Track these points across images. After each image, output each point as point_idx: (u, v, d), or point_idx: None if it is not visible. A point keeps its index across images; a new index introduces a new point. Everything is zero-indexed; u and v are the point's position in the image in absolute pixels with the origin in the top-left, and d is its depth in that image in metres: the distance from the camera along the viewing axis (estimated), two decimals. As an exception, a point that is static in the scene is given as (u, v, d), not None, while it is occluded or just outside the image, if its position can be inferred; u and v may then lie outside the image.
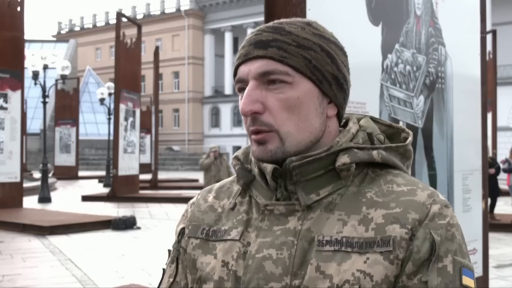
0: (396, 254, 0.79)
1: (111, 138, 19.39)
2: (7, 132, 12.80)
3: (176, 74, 51.12)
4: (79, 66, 46.52)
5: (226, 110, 49.01)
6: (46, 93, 16.42)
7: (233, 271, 0.86)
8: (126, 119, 17.18)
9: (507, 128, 33.14)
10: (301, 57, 0.85)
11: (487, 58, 12.71)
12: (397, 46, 2.20)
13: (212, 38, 51.29)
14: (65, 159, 27.50)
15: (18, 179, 12.88)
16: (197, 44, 50.61)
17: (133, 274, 6.69)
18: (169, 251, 1.00)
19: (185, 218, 1.00)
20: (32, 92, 32.74)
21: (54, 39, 54.56)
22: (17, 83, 12.99)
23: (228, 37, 49.26)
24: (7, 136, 12.78)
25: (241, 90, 0.88)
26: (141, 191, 18.02)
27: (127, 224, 10.52)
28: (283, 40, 0.85)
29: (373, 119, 0.96)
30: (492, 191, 10.37)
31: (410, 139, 0.92)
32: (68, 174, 26.74)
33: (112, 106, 21.24)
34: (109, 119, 23.84)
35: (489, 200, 8.50)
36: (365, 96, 2.03)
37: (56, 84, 22.61)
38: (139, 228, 10.64)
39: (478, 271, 2.69)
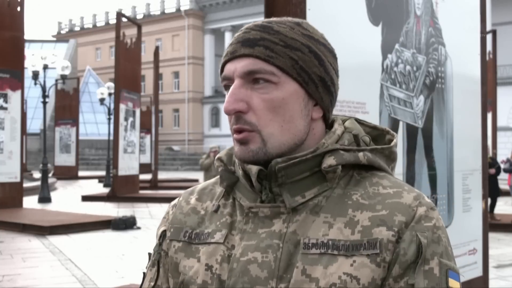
0: (383, 257, 0.79)
1: (111, 138, 19.38)
2: (7, 132, 12.80)
3: (176, 74, 51.12)
4: (79, 66, 46.53)
5: (226, 110, 48.93)
6: (46, 93, 16.42)
7: (217, 274, 0.84)
8: (126, 119, 17.18)
9: (507, 128, 33.14)
10: (288, 57, 0.84)
11: (487, 58, 12.71)
12: (397, 46, 2.20)
13: (212, 38, 51.29)
14: (65, 159, 27.49)
15: (18, 179, 12.87)
16: (197, 44, 50.60)
17: (133, 274, 6.69)
18: (150, 254, 0.98)
19: (166, 221, 0.97)
20: (32, 92, 32.75)
21: (54, 39, 54.55)
22: (17, 83, 12.99)
23: (228, 37, 49.25)
24: (7, 136, 12.78)
25: (227, 87, 0.87)
26: (141, 191, 18.01)
27: (127, 224, 10.52)
28: (270, 39, 0.84)
29: (358, 120, 0.95)
30: (492, 191, 10.37)
31: (395, 141, 0.92)
32: (68, 174, 26.74)
33: (112, 106, 21.24)
34: (109, 119, 23.83)
35: (489, 200, 8.50)
36: (365, 96, 2.03)
37: (56, 84, 22.60)
38: (139, 228, 10.64)
39: (478, 271, 2.69)
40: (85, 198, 16.18)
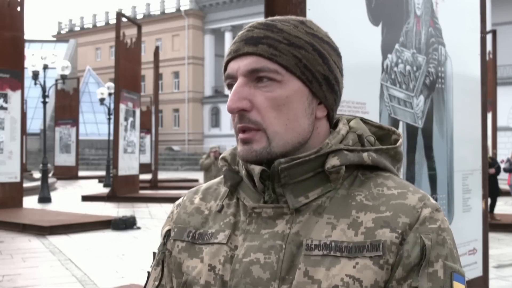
0: (386, 259, 0.78)
1: (111, 138, 19.38)
2: (7, 132, 12.80)
3: (176, 74, 51.11)
4: (79, 66, 46.53)
5: (226, 110, 48.37)
6: (46, 93, 16.42)
7: (220, 275, 0.84)
8: (126, 119, 17.18)
9: (507, 128, 33.14)
10: (292, 55, 0.83)
11: (487, 58, 12.71)
12: (397, 46, 2.20)
13: (212, 38, 51.29)
14: (65, 159, 27.50)
15: (18, 179, 12.87)
16: (197, 44, 50.60)
17: (133, 274, 6.69)
18: (154, 253, 0.98)
19: (170, 220, 0.97)
20: (32, 92, 32.75)
21: (54, 39, 54.55)
22: (17, 83, 12.99)
23: (228, 37, 49.25)
24: (7, 136, 12.78)
25: (230, 86, 0.86)
26: (141, 191, 18.01)
27: (127, 224, 10.52)
28: (274, 37, 0.83)
29: (363, 120, 0.94)
30: (492, 191, 10.37)
31: (400, 141, 0.91)
32: (68, 174, 26.74)
33: (112, 106, 21.24)
34: (109, 119, 23.83)
35: (489, 200, 8.49)
36: (365, 96, 2.03)
37: (56, 84, 22.60)
38: (139, 228, 10.64)
39: (478, 271, 2.69)
40: (85, 198, 16.18)
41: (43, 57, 16.25)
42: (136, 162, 17.78)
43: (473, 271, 2.63)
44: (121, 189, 16.15)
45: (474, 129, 2.72)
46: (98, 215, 11.89)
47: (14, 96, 12.94)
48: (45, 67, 16.36)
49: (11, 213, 11.60)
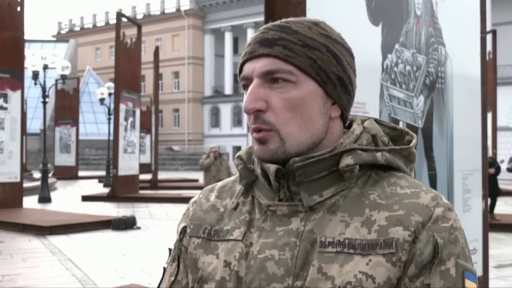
0: (399, 257, 0.79)
1: (111, 138, 19.39)
2: (7, 132, 12.80)
3: (176, 74, 51.12)
4: (79, 66, 46.54)
5: (226, 110, 49.01)
6: (46, 93, 16.42)
7: (235, 271, 0.86)
8: (126, 119, 17.19)
9: (507, 128, 33.14)
10: (306, 56, 0.84)
11: (487, 58, 12.71)
12: (397, 46, 2.20)
13: (212, 38, 51.29)
14: (65, 159, 27.50)
15: (18, 179, 12.87)
16: (197, 44, 50.61)
17: (133, 274, 6.69)
18: (170, 249, 0.99)
19: (186, 217, 0.99)
20: (32, 92, 32.76)
21: (54, 39, 54.57)
22: (17, 83, 12.99)
23: (228, 37, 49.27)
24: (7, 136, 12.78)
25: (246, 87, 0.88)
26: (141, 191, 18.02)
27: (127, 224, 10.52)
28: (289, 39, 0.85)
29: (377, 121, 0.95)
30: (492, 191, 10.37)
31: (414, 141, 0.92)
32: (68, 174, 26.75)
33: (112, 106, 21.24)
34: (109, 119, 23.84)
35: (489, 200, 8.50)
36: (365, 96, 2.03)
37: (56, 84, 22.61)
38: (139, 228, 10.64)
39: (478, 271, 2.69)
40: (85, 198, 16.18)
41: (43, 57, 16.25)
42: (136, 162, 17.79)
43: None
44: (121, 189, 16.15)
45: (474, 129, 2.72)
46: (98, 215, 11.88)
47: (14, 96, 12.94)
48: (45, 67, 16.36)
49: (11, 213, 11.60)
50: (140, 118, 18.50)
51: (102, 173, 28.96)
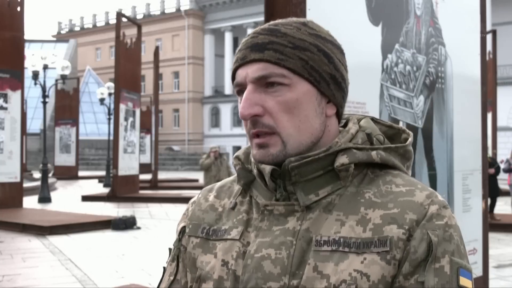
0: (393, 255, 0.80)
1: (111, 138, 19.38)
2: (7, 132, 12.80)
3: (176, 74, 51.12)
4: (79, 66, 46.53)
5: (226, 110, 49.02)
6: (46, 93, 16.42)
7: (233, 270, 0.86)
8: (126, 119, 17.18)
9: (507, 128, 33.15)
10: (298, 58, 0.85)
11: (487, 58, 12.71)
12: (397, 46, 2.20)
13: (212, 38, 51.30)
14: (65, 159, 27.50)
15: (18, 179, 12.87)
16: (197, 44, 50.61)
17: (133, 274, 6.69)
18: (170, 249, 1.00)
19: (186, 217, 1.00)
20: (32, 92, 32.75)
21: (54, 39, 54.55)
22: (17, 83, 12.99)
23: (228, 37, 49.27)
24: (7, 136, 12.78)
25: (240, 93, 0.88)
26: (141, 191, 18.01)
27: (127, 224, 10.52)
28: (279, 42, 0.85)
29: (373, 119, 0.96)
30: (492, 191, 10.37)
31: (410, 140, 0.92)
32: (68, 174, 26.74)
33: (112, 106, 21.24)
34: (109, 119, 23.84)
35: (489, 200, 8.49)
36: (365, 96, 2.03)
37: (56, 84, 22.60)
38: (139, 228, 10.64)
39: (478, 271, 2.69)
40: (85, 198, 16.18)
41: (43, 57, 16.25)
42: (136, 162, 17.78)
43: (473, 271, 2.63)
44: (121, 189, 16.15)
45: (474, 129, 2.72)
46: (98, 215, 11.88)
47: (14, 96, 12.94)
48: (45, 67, 16.35)
49: (11, 213, 11.60)
50: (140, 118, 18.49)
51: (102, 173, 28.95)
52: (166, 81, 50.72)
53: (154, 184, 20.54)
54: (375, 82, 2.10)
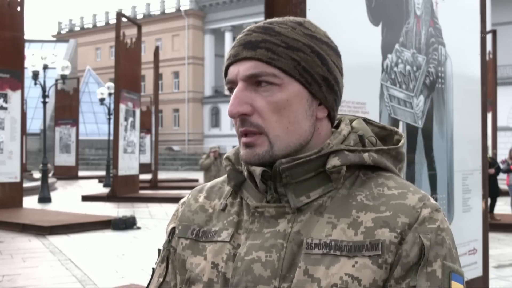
0: (385, 258, 0.79)
1: (111, 138, 19.38)
2: (7, 132, 12.80)
3: (176, 74, 51.12)
4: (79, 66, 46.52)
5: (226, 110, 48.66)
6: (46, 93, 16.42)
7: (223, 273, 0.85)
8: (126, 119, 17.18)
9: (507, 128, 33.15)
10: (290, 58, 0.83)
11: (487, 58, 12.71)
12: (397, 46, 2.20)
13: (212, 38, 51.30)
14: (65, 159, 27.49)
15: (18, 179, 12.87)
16: (197, 44, 50.62)
17: (133, 274, 6.69)
18: (159, 250, 0.99)
19: (175, 218, 0.98)
20: (32, 92, 32.75)
21: (54, 39, 54.55)
22: (17, 83, 12.99)
23: (228, 37, 49.26)
24: (7, 136, 12.78)
25: (231, 90, 0.87)
26: (141, 191, 18.01)
27: (127, 224, 10.52)
28: (272, 41, 0.84)
29: (366, 120, 0.95)
30: (492, 191, 10.36)
31: (402, 141, 0.91)
32: (68, 174, 26.74)
33: (112, 106, 21.24)
34: (109, 119, 23.84)
35: (489, 200, 8.49)
36: (365, 96, 2.03)
37: (56, 84, 22.61)
38: (139, 228, 10.64)
39: (478, 271, 2.69)
40: (85, 198, 16.18)
41: (43, 57, 16.24)
42: (136, 162, 17.78)
43: (473, 271, 2.63)
44: (121, 189, 16.14)
45: (474, 129, 2.72)
46: (98, 215, 11.88)
47: (14, 96, 12.94)
48: (45, 67, 16.35)
49: (11, 213, 11.59)
50: (140, 118, 18.49)
51: (102, 173, 28.95)
52: (166, 81, 50.71)
53: (154, 184, 20.53)
54: (375, 82, 2.10)
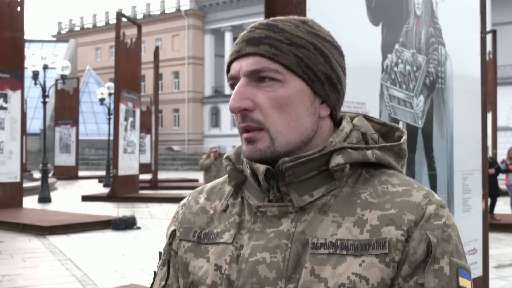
0: (392, 257, 0.78)
1: (111, 138, 19.38)
2: (7, 132, 12.80)
3: (176, 74, 51.12)
4: (79, 66, 46.53)
5: (226, 110, 48.97)
6: (46, 93, 16.42)
7: (226, 275, 0.84)
8: (126, 119, 17.18)
9: (507, 128, 33.15)
10: (293, 55, 0.83)
11: (487, 58, 12.71)
12: (397, 46, 2.20)
13: (212, 38, 51.30)
14: (65, 159, 27.49)
15: (18, 179, 12.87)
16: (197, 44, 50.62)
17: (133, 274, 6.69)
18: (160, 253, 0.98)
19: (176, 220, 0.97)
20: (32, 92, 32.75)
21: (54, 39, 54.55)
22: (17, 83, 12.99)
23: (228, 37, 49.26)
24: (7, 136, 12.78)
25: (233, 86, 0.87)
26: (141, 191, 18.01)
27: (127, 224, 10.52)
28: (275, 37, 0.84)
29: (366, 117, 0.94)
30: (492, 191, 10.36)
31: (404, 137, 0.91)
32: (68, 174, 26.74)
33: (112, 106, 21.24)
34: (109, 119, 23.84)
35: (489, 200, 8.49)
36: (365, 96, 2.03)
37: (56, 84, 22.61)
38: (139, 228, 10.64)
39: (478, 271, 2.69)
40: (85, 198, 16.18)
41: (43, 57, 16.25)
42: (136, 162, 17.78)
43: (473, 271, 2.62)
44: (121, 189, 16.14)
45: (474, 129, 2.72)
46: (98, 215, 11.88)
47: (14, 96, 12.94)
48: (45, 67, 16.35)
49: (11, 213, 11.60)
50: (140, 118, 18.49)
51: (102, 173, 28.94)
52: (166, 81, 50.72)
53: (154, 184, 20.54)
54: (375, 82, 2.10)
